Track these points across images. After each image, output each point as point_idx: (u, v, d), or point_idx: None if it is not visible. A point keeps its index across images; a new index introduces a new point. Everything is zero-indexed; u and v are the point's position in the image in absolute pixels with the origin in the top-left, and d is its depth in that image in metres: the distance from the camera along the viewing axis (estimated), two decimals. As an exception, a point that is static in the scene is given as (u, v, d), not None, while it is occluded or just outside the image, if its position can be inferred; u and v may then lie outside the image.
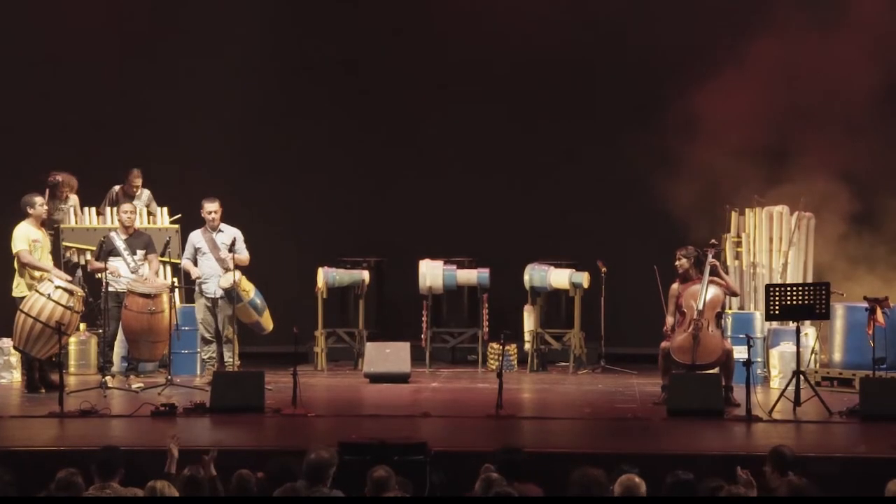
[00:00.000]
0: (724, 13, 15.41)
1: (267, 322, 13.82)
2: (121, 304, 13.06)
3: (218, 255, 13.36)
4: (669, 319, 12.45)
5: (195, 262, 13.53)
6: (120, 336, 13.44)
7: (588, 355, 14.97)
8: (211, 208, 13.48)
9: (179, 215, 14.83)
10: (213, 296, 13.41)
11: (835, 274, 14.04)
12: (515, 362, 15.01)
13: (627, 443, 10.47)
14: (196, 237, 13.56)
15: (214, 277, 13.39)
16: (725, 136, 14.57)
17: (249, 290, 13.52)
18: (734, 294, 12.99)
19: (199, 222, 13.71)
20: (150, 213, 14.85)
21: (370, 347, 14.25)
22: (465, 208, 16.11)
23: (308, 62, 16.46)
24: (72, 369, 14.27)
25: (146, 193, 15.00)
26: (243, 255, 13.47)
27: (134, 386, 12.92)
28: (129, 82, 16.12)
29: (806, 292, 12.18)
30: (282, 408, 11.63)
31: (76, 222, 14.65)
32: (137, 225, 13.82)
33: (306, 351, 14.95)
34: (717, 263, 12.52)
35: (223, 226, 13.53)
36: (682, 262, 12.43)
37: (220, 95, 16.10)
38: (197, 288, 13.52)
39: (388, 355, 14.06)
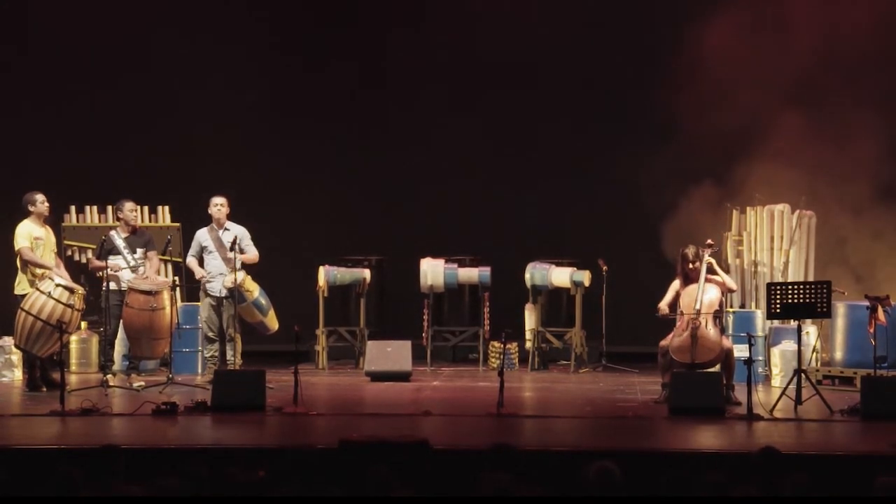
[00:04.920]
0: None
1: (272, 322, 13.81)
2: (122, 302, 13.06)
3: (224, 253, 13.37)
4: (662, 305, 12.43)
5: (201, 261, 13.53)
6: (121, 335, 13.45)
7: (589, 354, 14.98)
8: (218, 201, 13.50)
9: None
10: (217, 294, 13.42)
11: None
12: (516, 361, 15.01)
13: (628, 441, 10.47)
14: (202, 235, 13.57)
15: (220, 276, 13.39)
16: (727, 134, 14.58)
17: (254, 290, 13.52)
18: (731, 290, 12.99)
19: (200, 222, 13.72)
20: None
21: (371, 346, 14.26)
22: (466, 207, 16.13)
23: (310, 62, 16.46)
24: (73, 368, 14.30)
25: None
26: (251, 253, 13.48)
27: (135, 384, 12.92)
28: (131, 82, 16.12)
29: (807, 291, 12.17)
30: (283, 406, 11.63)
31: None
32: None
33: (307, 349, 14.96)
34: (714, 262, 12.51)
35: (229, 224, 13.54)
36: (698, 265, 12.42)
37: (222, 95, 16.11)
38: (202, 286, 13.53)
39: (390, 354, 14.07)
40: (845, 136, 14.46)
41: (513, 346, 14.85)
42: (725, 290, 12.74)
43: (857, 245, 14.61)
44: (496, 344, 14.52)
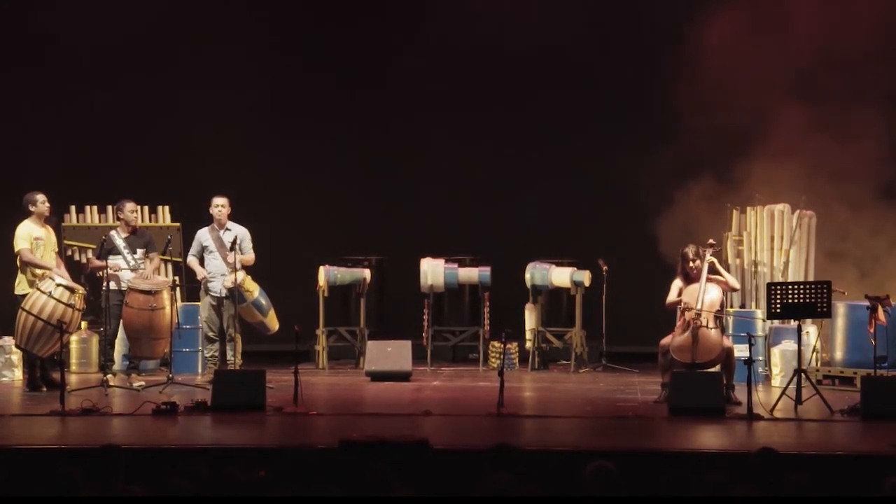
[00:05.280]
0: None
1: (272, 322, 13.81)
2: (122, 301, 13.07)
3: (224, 253, 13.38)
4: (677, 299, 12.43)
5: (202, 260, 13.54)
6: (121, 335, 13.45)
7: (589, 354, 14.98)
8: (219, 202, 13.53)
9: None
10: (218, 294, 13.43)
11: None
12: (516, 361, 15.01)
13: (628, 441, 10.47)
14: (203, 235, 13.58)
15: (220, 276, 13.40)
16: (727, 134, 14.58)
17: (254, 290, 13.52)
18: (733, 289, 12.99)
19: (200, 222, 13.73)
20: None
21: (371, 346, 14.26)
22: (466, 207, 16.12)
23: (310, 62, 16.46)
24: (73, 368, 14.31)
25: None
26: (248, 255, 13.49)
27: (135, 384, 12.92)
28: (131, 82, 16.12)
29: (807, 291, 12.16)
30: (283, 406, 11.63)
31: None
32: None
33: (308, 349, 14.96)
34: (715, 261, 12.52)
35: (230, 224, 13.56)
36: (699, 263, 12.42)
37: (222, 95, 16.11)
38: (202, 286, 13.54)
39: (390, 354, 14.07)
40: (846, 135, 14.44)
41: (513, 346, 14.85)
42: (728, 289, 12.75)
43: (857, 244, 14.60)
44: (496, 344, 14.52)
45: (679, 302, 12.41)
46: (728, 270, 13.62)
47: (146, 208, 15.03)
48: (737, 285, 13.15)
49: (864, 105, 14.49)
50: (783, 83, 14.67)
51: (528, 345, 14.98)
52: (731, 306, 13.99)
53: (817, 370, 13.22)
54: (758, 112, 14.64)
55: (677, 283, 12.53)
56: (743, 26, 14.79)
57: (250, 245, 13.56)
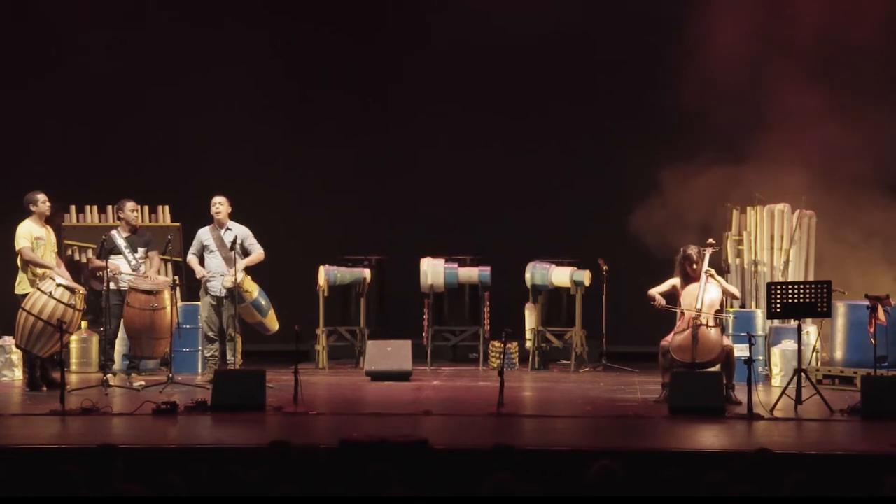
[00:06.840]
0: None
1: (272, 323, 13.80)
2: (122, 301, 13.07)
3: (225, 253, 13.37)
4: (655, 293, 12.42)
5: (202, 259, 13.54)
6: (121, 334, 13.46)
7: (589, 353, 14.99)
8: (217, 200, 13.52)
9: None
10: (218, 294, 13.42)
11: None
12: (517, 360, 15.02)
13: (628, 441, 10.47)
14: (204, 234, 13.58)
15: (220, 276, 13.39)
16: (728, 133, 14.58)
17: (253, 290, 13.51)
18: (735, 297, 12.98)
19: (200, 222, 13.73)
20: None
21: (371, 346, 14.26)
22: (466, 206, 16.12)
23: (310, 62, 16.46)
24: (73, 367, 14.32)
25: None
26: (255, 252, 13.47)
27: (135, 384, 12.93)
28: (131, 82, 16.11)
29: (807, 290, 12.16)
30: (283, 406, 11.64)
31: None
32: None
33: (308, 349, 14.97)
34: (713, 271, 12.48)
35: (231, 223, 13.55)
36: (701, 265, 12.41)
37: (223, 94, 16.11)
38: (202, 286, 13.54)
39: (390, 353, 14.07)
40: (848, 133, 14.42)
41: (513, 346, 14.85)
42: (729, 296, 12.74)
43: (857, 244, 14.59)
44: (496, 343, 14.53)
45: (653, 298, 12.40)
46: (728, 271, 13.63)
47: (146, 208, 15.04)
48: (738, 293, 13.09)
49: (867, 103, 14.47)
50: (785, 82, 14.66)
51: (528, 345, 14.99)
52: (731, 306, 13.98)
53: (817, 370, 13.23)
54: (759, 111, 14.64)
55: (673, 281, 12.53)
56: (745, 25, 14.80)
57: (255, 241, 13.54)
